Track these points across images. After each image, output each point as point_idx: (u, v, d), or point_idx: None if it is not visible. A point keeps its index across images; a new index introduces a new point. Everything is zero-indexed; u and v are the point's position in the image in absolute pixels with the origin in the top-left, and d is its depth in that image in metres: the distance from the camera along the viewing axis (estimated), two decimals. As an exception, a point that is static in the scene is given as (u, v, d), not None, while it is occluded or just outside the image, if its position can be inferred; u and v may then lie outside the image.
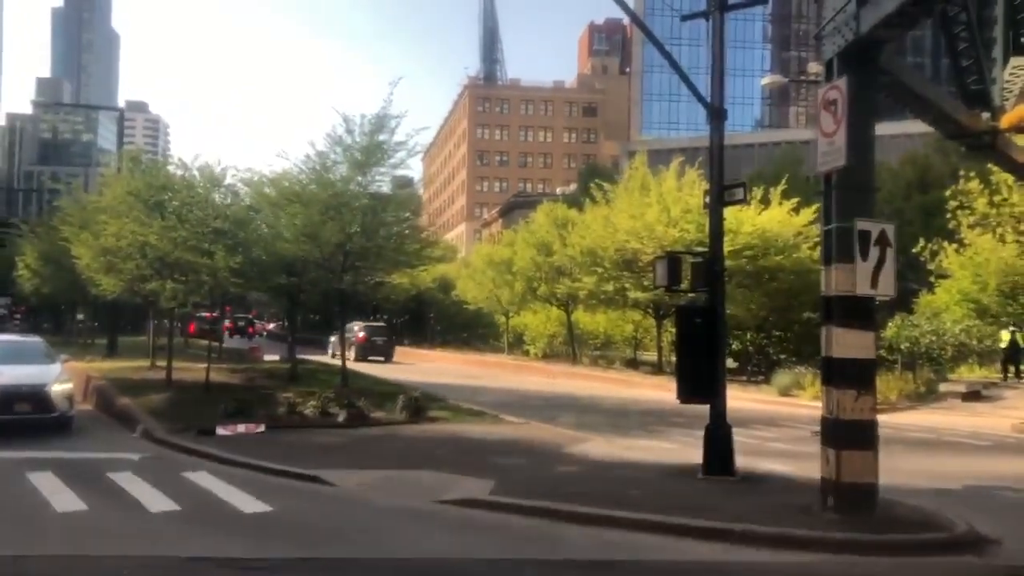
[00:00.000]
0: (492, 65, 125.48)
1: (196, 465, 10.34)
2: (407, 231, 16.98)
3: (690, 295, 14.96)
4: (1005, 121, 11.25)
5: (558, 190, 72.17)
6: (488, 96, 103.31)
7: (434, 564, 6.55)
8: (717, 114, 9.76)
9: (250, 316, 50.68)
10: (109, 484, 9.14)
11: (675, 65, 9.85)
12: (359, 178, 15.91)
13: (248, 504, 8.29)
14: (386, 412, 14.25)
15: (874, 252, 7.45)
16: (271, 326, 49.24)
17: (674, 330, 13.83)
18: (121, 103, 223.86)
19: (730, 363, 26.27)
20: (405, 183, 21.04)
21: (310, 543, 7.07)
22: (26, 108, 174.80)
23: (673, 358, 17.36)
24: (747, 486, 9.08)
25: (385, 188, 16.56)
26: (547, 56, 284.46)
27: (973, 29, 10.84)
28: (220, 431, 12.31)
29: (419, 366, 30.31)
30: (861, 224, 7.45)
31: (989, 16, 11.63)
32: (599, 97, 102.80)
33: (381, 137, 15.85)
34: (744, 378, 22.88)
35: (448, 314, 38.75)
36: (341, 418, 13.51)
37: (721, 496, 8.50)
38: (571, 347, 29.67)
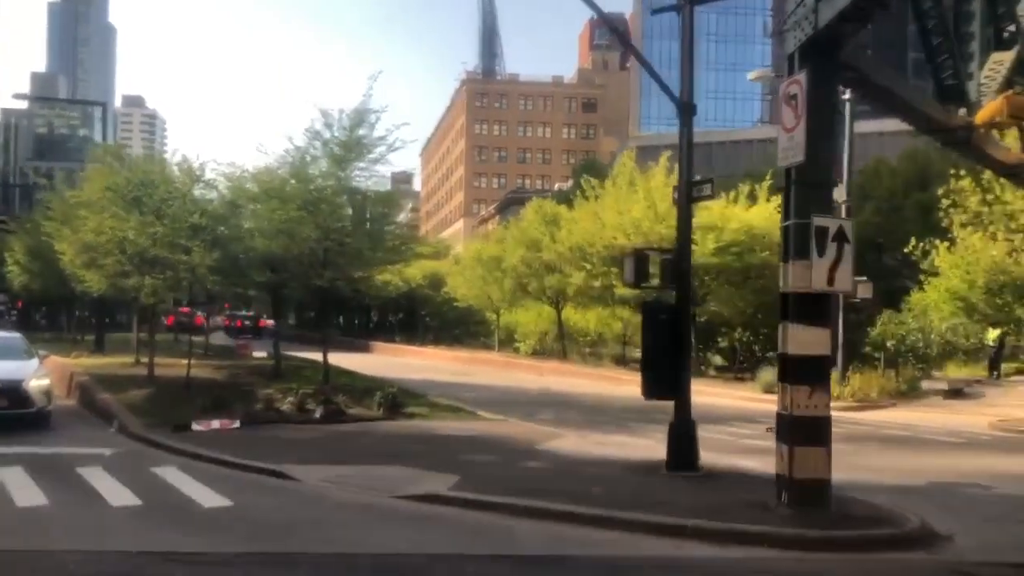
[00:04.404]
0: (491, 60, 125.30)
1: (166, 460, 10.37)
2: (387, 227, 16.95)
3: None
4: (980, 117, 11.21)
5: (556, 186, 72.08)
6: (486, 91, 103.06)
7: (380, 559, 6.61)
8: (687, 110, 9.73)
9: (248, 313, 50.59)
10: (75, 479, 9.16)
11: (644, 62, 9.84)
12: (339, 173, 15.89)
13: (208, 499, 8.31)
14: (364, 408, 14.27)
15: (831, 248, 7.43)
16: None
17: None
18: (118, 98, 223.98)
19: (718, 360, 26.33)
20: (404, 178, 20.98)
21: (263, 537, 7.08)
22: (20, 103, 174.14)
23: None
24: (709, 482, 9.09)
25: (367, 183, 16.53)
26: (547, 52, 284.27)
27: (947, 24, 10.81)
28: (195, 427, 12.32)
29: (409, 363, 30.34)
30: (818, 220, 7.43)
31: (965, 11, 11.59)
32: (598, 92, 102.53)
33: (361, 132, 15.81)
34: (730, 375, 22.89)
35: (440, 311, 38.72)
36: (318, 414, 13.52)
37: (681, 492, 8.52)
38: (561, 344, 29.67)
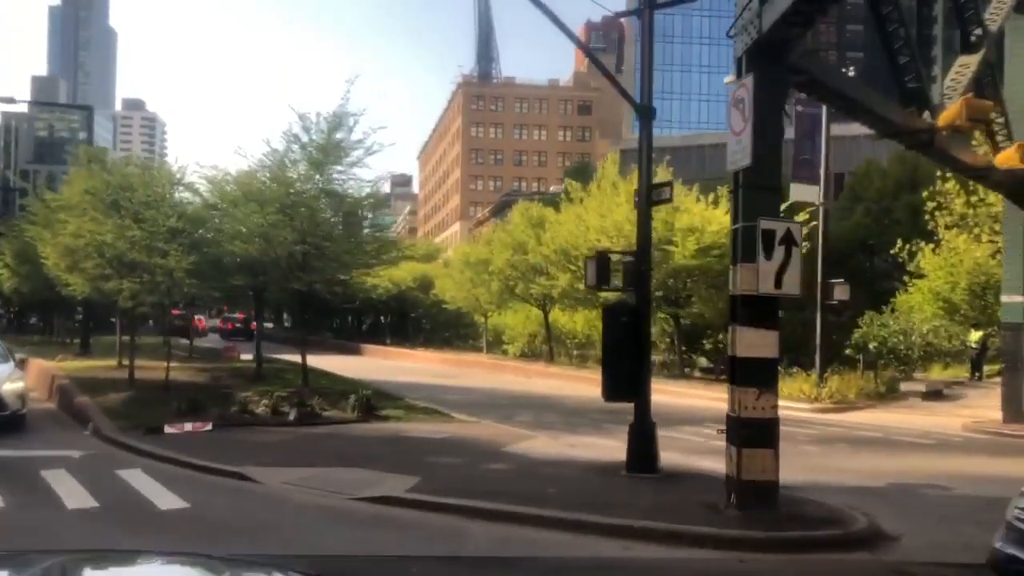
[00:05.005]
0: (487, 63, 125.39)
1: (133, 463, 10.41)
2: (365, 230, 17.00)
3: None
4: (941, 120, 11.30)
5: (551, 188, 72.16)
6: (482, 94, 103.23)
7: (327, 560, 6.64)
8: (645, 113, 9.80)
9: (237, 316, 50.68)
10: (38, 482, 9.20)
11: (601, 67, 9.91)
12: (317, 177, 15.94)
13: (166, 501, 8.36)
14: (339, 410, 14.31)
15: (779, 252, 7.49)
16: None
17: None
18: (118, 101, 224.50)
19: (704, 362, 26.40)
20: (403, 181, 21.08)
21: (214, 539, 7.13)
22: (22, 107, 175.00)
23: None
24: (666, 483, 9.14)
25: (344, 186, 16.55)
26: (543, 55, 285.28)
27: (908, 28, 10.89)
28: (168, 429, 12.37)
29: (398, 365, 30.40)
30: (765, 223, 7.49)
31: (927, 15, 11.67)
32: (593, 95, 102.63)
33: (339, 135, 15.86)
34: (713, 377, 22.93)
35: (430, 314, 38.81)
36: (292, 417, 13.57)
37: (636, 493, 8.56)
38: (549, 347, 29.73)
